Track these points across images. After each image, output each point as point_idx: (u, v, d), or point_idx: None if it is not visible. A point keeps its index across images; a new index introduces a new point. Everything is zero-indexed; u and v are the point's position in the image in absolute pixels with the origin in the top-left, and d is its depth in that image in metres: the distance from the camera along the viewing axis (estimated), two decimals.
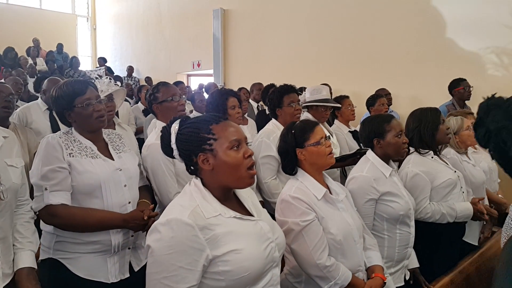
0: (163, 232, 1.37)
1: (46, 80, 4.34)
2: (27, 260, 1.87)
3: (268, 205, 3.01)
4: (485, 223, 3.10)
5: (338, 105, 3.94)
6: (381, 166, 2.50)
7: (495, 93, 1.09)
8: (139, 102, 6.85)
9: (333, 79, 6.60)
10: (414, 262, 2.61)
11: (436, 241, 2.75)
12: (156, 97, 2.75)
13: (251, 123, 4.55)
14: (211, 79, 9.76)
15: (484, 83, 5.24)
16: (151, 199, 2.32)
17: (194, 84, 11.31)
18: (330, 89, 5.75)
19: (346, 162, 3.27)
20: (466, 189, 2.93)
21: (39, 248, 2.07)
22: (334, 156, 2.20)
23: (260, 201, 1.90)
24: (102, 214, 2.01)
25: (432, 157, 2.82)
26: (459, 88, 5.11)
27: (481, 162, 3.28)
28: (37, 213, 2.01)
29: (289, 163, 2.16)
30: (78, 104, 2.05)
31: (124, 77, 11.47)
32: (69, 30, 15.22)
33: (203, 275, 1.39)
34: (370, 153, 2.57)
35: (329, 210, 2.06)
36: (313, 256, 1.96)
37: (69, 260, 2.01)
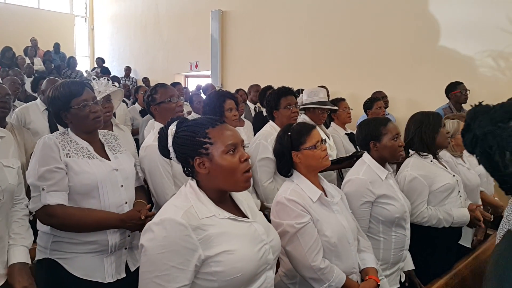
0: (157, 232, 1.38)
1: (45, 81, 4.34)
2: (19, 256, 1.87)
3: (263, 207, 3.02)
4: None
5: (335, 107, 3.95)
6: (377, 169, 2.51)
7: (482, 101, 1.11)
8: (136, 103, 6.82)
9: (331, 81, 6.61)
10: (409, 265, 2.61)
11: (432, 244, 2.76)
12: (154, 98, 2.76)
13: (248, 124, 4.56)
14: (208, 80, 9.77)
15: (481, 86, 5.26)
16: (147, 199, 2.33)
17: (191, 85, 11.31)
18: (328, 91, 5.77)
19: (343, 164, 3.28)
20: (463, 193, 2.93)
21: (35, 248, 2.07)
22: (331, 159, 2.21)
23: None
24: (99, 214, 2.02)
25: (431, 161, 2.82)
26: (455, 91, 5.12)
27: (477, 166, 3.28)
28: (34, 213, 2.01)
29: (285, 165, 2.17)
30: (74, 105, 2.06)
31: (122, 77, 11.47)
32: (67, 30, 15.19)
33: (196, 275, 1.40)
34: (366, 156, 2.58)
35: (324, 213, 2.07)
36: (307, 258, 1.97)
37: (66, 260, 2.01)
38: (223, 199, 1.58)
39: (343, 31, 7.10)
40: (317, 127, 2.28)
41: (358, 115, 5.23)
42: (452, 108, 5.12)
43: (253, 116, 5.78)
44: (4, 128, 2.91)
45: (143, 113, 6.17)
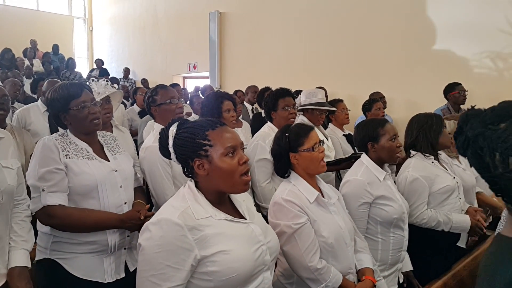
0: (153, 231, 1.40)
1: (46, 82, 4.36)
2: (19, 259, 1.88)
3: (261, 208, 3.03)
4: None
5: (334, 108, 3.96)
6: (375, 170, 2.52)
7: (474, 105, 1.14)
8: (135, 104, 6.82)
9: (329, 82, 6.63)
10: (408, 265, 2.62)
11: (430, 245, 2.76)
12: (154, 100, 2.77)
13: (246, 125, 4.56)
14: (207, 81, 9.77)
15: (479, 87, 5.26)
16: (146, 200, 2.34)
17: (190, 86, 11.32)
18: (326, 93, 5.79)
19: (341, 165, 3.29)
20: (463, 196, 2.92)
21: (35, 248, 2.08)
22: (329, 160, 2.22)
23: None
24: (98, 214, 2.03)
25: (432, 162, 2.82)
26: (454, 92, 5.13)
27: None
28: (34, 213, 2.02)
29: (282, 166, 2.19)
30: (73, 107, 2.07)
31: (120, 79, 11.47)
32: (65, 31, 15.17)
33: (192, 275, 1.42)
34: (364, 157, 2.58)
35: (321, 213, 2.09)
36: (304, 258, 1.98)
37: (66, 260, 2.03)
38: (222, 201, 1.60)
39: (341, 33, 7.11)
40: (315, 128, 2.29)
41: (356, 116, 5.24)
42: (450, 109, 5.13)
43: (251, 117, 5.79)
44: (4, 129, 2.92)
45: (141, 114, 6.16)
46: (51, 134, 2.17)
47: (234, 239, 1.48)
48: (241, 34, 9.19)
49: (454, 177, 2.84)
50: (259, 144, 3.07)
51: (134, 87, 9.26)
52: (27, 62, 10.64)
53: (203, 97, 4.59)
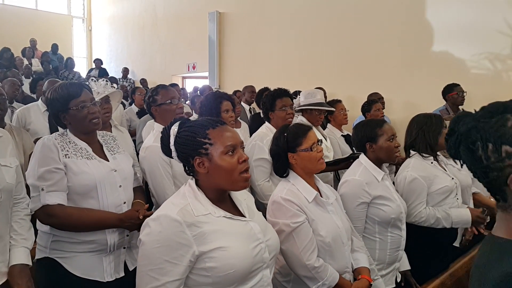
0: (153, 227, 1.44)
1: (46, 82, 4.38)
2: (20, 257, 1.89)
3: (261, 206, 3.03)
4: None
5: (332, 109, 3.97)
6: (374, 170, 2.53)
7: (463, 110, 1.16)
8: (133, 104, 6.80)
9: (328, 83, 6.64)
10: (405, 265, 2.64)
11: (428, 244, 2.77)
12: (155, 100, 2.78)
13: (244, 126, 4.57)
14: (206, 82, 9.78)
15: (478, 88, 5.26)
16: (145, 199, 2.35)
17: (189, 86, 11.31)
18: (325, 93, 5.80)
19: (340, 166, 3.30)
20: (461, 197, 2.93)
21: (35, 247, 2.09)
22: (328, 160, 2.23)
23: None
24: (98, 214, 2.04)
25: (431, 162, 2.84)
26: (452, 93, 5.14)
27: None
28: (33, 213, 2.03)
29: (281, 166, 2.20)
30: (73, 107, 2.08)
31: (119, 78, 11.45)
32: (64, 31, 15.17)
33: (191, 271, 1.44)
34: (362, 157, 2.60)
35: (319, 213, 2.10)
36: (302, 257, 2.00)
37: (65, 259, 2.04)
38: (222, 199, 1.62)
39: (340, 34, 7.12)
40: (314, 128, 2.30)
41: (355, 116, 5.24)
42: (449, 110, 5.13)
43: (248, 117, 5.80)
44: (3, 128, 2.93)
45: (140, 114, 6.14)
46: (51, 133, 2.18)
47: (233, 236, 1.50)
48: (240, 34, 9.19)
49: (452, 178, 2.85)
50: (257, 144, 3.09)
51: (133, 87, 9.26)
52: (26, 62, 10.63)
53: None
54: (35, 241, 2.08)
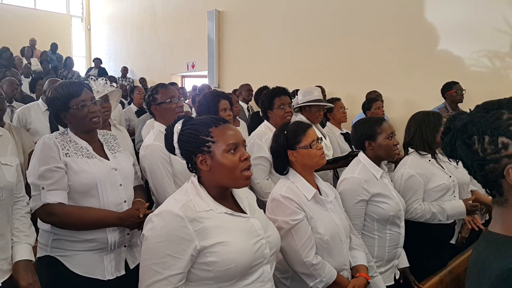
0: (156, 222, 1.47)
1: (47, 81, 4.39)
2: (24, 253, 1.91)
3: (261, 204, 3.04)
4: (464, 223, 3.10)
5: (331, 105, 3.97)
6: (372, 168, 2.54)
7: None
8: (132, 104, 6.76)
9: (327, 81, 6.63)
10: (404, 262, 2.64)
11: (426, 241, 2.79)
12: (155, 99, 2.79)
13: (242, 125, 4.58)
14: (205, 81, 9.78)
15: (477, 86, 5.27)
16: (145, 198, 2.36)
17: (188, 85, 11.31)
18: (324, 91, 5.81)
19: (339, 164, 3.31)
20: (458, 195, 2.93)
21: (36, 245, 2.10)
22: (327, 158, 2.24)
23: None
24: (98, 212, 2.05)
25: (429, 160, 2.85)
26: (451, 91, 5.15)
27: None
28: (33, 211, 2.03)
29: (281, 163, 2.22)
30: (73, 106, 2.09)
31: (119, 78, 11.45)
32: (63, 30, 15.16)
33: (192, 265, 1.47)
34: (361, 155, 2.61)
35: (318, 211, 2.12)
36: (300, 254, 2.02)
37: (66, 258, 2.04)
38: (224, 196, 1.65)
39: (339, 32, 7.12)
40: (313, 126, 2.31)
41: (354, 115, 5.26)
42: (448, 108, 5.15)
43: (247, 115, 5.81)
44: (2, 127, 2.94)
45: (138, 113, 6.12)
46: (52, 133, 2.19)
47: (234, 232, 1.53)
48: (239, 32, 9.19)
49: (450, 176, 2.86)
50: (256, 142, 3.10)
51: (132, 86, 9.25)
52: (25, 61, 10.62)
53: None
54: (36, 239, 2.09)
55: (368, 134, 2.56)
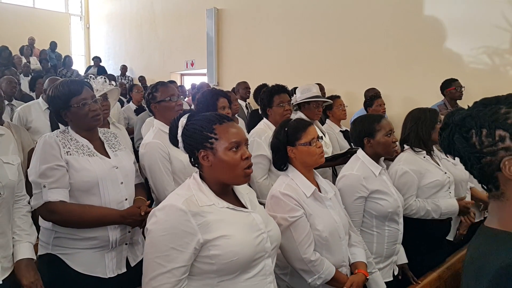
0: (159, 216, 1.49)
1: (47, 80, 4.38)
2: (25, 252, 1.93)
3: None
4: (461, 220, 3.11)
5: (329, 101, 3.97)
6: (371, 164, 2.55)
7: None
8: (131, 102, 6.78)
9: (326, 79, 6.62)
10: (402, 258, 2.66)
11: (424, 238, 2.80)
12: (154, 97, 2.79)
13: (241, 122, 4.58)
14: (204, 79, 9.77)
15: (476, 83, 5.27)
16: (146, 196, 2.37)
17: (187, 83, 11.31)
18: (323, 89, 5.81)
19: (337, 161, 3.31)
20: (453, 192, 2.95)
21: (37, 243, 2.11)
22: (326, 156, 2.25)
23: None
24: (99, 210, 2.06)
25: (424, 157, 2.86)
26: (450, 88, 5.15)
27: None
28: (34, 209, 2.05)
29: (280, 159, 2.23)
30: (74, 104, 2.10)
31: (118, 76, 11.44)
32: (62, 29, 15.16)
33: (196, 258, 1.49)
34: (360, 152, 2.62)
35: (317, 208, 2.13)
36: (299, 250, 2.04)
37: (68, 256, 2.06)
38: (225, 192, 1.68)
39: (338, 29, 7.11)
40: (314, 125, 2.32)
41: (353, 112, 5.26)
42: (447, 105, 5.15)
43: (245, 113, 5.81)
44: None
45: (137, 111, 6.13)
46: (52, 131, 2.20)
47: (236, 226, 1.56)
48: (238, 30, 9.17)
49: (445, 173, 2.87)
50: (255, 140, 3.10)
51: (131, 84, 9.24)
52: (24, 60, 10.62)
53: None
54: (37, 237, 2.10)
55: (367, 131, 2.57)
